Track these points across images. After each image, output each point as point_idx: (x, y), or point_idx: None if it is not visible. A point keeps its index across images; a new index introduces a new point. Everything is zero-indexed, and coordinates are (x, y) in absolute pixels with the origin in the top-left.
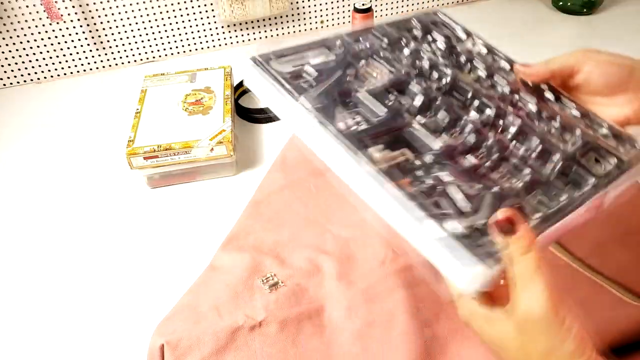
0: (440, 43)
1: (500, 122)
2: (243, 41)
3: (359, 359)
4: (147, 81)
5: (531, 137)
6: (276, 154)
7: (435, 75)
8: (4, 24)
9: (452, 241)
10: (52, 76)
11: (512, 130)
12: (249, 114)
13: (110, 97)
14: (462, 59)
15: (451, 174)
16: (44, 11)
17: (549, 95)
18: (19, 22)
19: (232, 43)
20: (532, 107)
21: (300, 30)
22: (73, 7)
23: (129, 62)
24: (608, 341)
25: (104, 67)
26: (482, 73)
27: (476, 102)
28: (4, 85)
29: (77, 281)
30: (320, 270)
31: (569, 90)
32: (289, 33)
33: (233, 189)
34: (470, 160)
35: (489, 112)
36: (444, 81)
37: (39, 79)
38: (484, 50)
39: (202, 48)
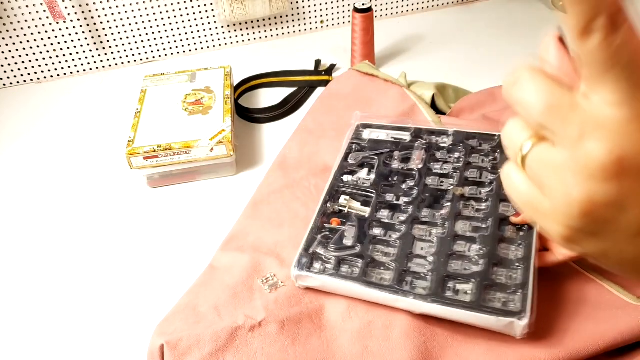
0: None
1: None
2: (243, 41)
3: (359, 359)
4: (147, 81)
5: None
6: (276, 154)
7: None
8: (4, 24)
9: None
10: (52, 76)
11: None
12: (249, 114)
13: (110, 97)
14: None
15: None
16: (44, 11)
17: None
18: (19, 22)
19: (232, 43)
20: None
21: (300, 30)
22: (73, 7)
23: (129, 62)
24: (608, 341)
25: (104, 67)
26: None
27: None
28: (4, 85)
29: (77, 281)
30: None
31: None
32: (289, 33)
33: (233, 189)
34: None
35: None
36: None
37: (39, 78)
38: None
39: (202, 48)
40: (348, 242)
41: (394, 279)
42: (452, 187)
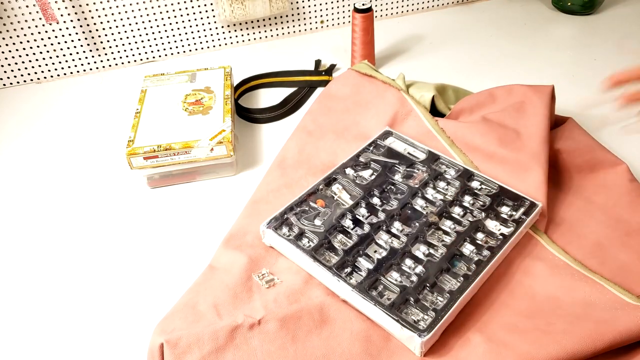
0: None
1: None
2: (243, 41)
3: (358, 358)
4: (147, 81)
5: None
6: (276, 154)
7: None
8: (4, 24)
9: (269, 228)
10: (52, 76)
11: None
12: (249, 114)
13: (110, 97)
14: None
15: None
16: (42, 12)
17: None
18: (18, 22)
19: (232, 43)
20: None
21: (300, 30)
22: (73, 7)
23: (128, 62)
24: (607, 341)
25: (103, 67)
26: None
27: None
28: (4, 85)
29: (78, 281)
30: None
31: None
32: (289, 33)
33: (233, 189)
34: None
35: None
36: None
37: (38, 79)
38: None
39: (202, 48)
40: (319, 222)
41: (337, 262)
42: (430, 212)
